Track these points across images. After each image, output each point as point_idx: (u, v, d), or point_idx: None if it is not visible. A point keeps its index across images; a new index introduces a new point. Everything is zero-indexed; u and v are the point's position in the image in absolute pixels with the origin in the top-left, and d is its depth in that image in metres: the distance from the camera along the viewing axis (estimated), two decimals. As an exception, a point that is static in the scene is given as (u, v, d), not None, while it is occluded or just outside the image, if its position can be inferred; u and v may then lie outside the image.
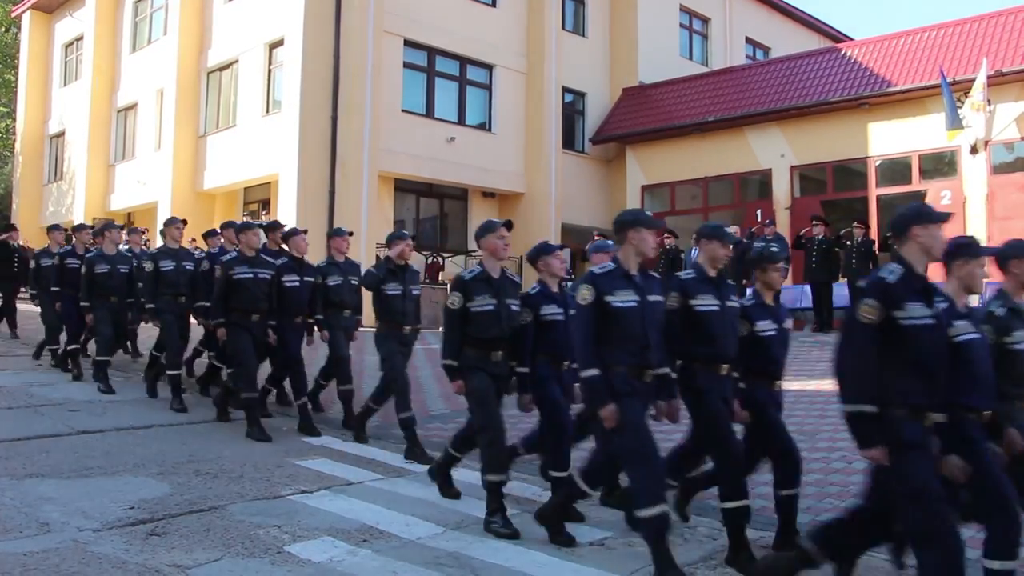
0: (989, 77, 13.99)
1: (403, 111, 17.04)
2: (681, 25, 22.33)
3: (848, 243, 12.29)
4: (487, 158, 18.25)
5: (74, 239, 10.25)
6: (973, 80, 14.29)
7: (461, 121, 18.19)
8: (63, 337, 9.67)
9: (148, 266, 8.16)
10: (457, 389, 4.91)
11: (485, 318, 4.85)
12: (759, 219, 15.63)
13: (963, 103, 14.51)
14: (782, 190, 17.17)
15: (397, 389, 6.41)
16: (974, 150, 14.55)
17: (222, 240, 9.00)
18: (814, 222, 12.89)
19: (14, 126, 27.68)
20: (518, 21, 19.03)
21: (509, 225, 5.00)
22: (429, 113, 17.67)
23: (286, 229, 8.20)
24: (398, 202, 17.77)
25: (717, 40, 23.12)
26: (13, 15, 27.70)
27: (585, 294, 4.09)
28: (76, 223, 13.45)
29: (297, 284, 7.41)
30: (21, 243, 13.81)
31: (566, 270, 5.39)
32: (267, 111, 17.31)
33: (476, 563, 4.21)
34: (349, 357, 7.54)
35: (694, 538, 4.70)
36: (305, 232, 7.85)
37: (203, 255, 8.92)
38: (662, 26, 21.36)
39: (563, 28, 19.85)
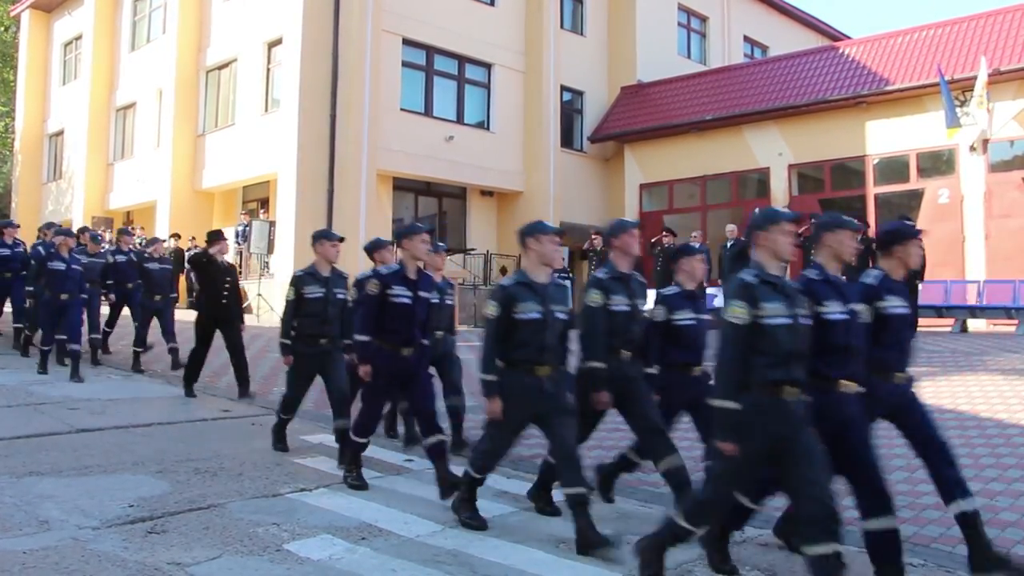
0: (987, 75, 14.01)
1: (402, 110, 17.04)
2: (679, 24, 22.34)
3: (847, 242, 12.32)
4: (486, 157, 18.26)
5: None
6: (970, 79, 14.32)
7: (460, 120, 18.20)
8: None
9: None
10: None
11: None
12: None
13: (961, 101, 14.54)
14: (780, 188, 17.19)
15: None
16: (973, 148, 14.57)
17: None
18: (812, 220, 12.91)
19: (13, 125, 27.67)
20: (517, 20, 19.04)
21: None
22: (428, 112, 17.68)
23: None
24: (397, 201, 17.78)
25: (715, 39, 23.13)
26: (12, 14, 27.67)
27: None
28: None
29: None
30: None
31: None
32: (266, 110, 17.32)
33: (475, 561, 4.22)
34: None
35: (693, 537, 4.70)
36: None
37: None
38: (660, 25, 21.38)
39: (561, 27, 19.86)
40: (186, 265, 14.62)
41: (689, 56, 22.40)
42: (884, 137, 15.87)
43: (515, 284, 4.50)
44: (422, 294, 5.37)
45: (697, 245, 5.69)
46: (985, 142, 14.47)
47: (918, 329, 11.57)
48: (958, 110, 14.41)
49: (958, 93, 14.61)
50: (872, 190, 16.09)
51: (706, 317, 5.03)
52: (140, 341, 10.02)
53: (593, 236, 15.45)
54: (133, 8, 22.07)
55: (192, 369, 8.59)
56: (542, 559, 4.27)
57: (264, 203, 18.13)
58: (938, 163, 15.54)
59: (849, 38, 22.71)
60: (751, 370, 3.52)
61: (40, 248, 10.54)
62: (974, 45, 14.94)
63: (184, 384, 8.59)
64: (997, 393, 7.68)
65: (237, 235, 16.74)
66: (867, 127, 16.05)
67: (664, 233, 14.62)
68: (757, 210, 3.93)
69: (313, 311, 6.20)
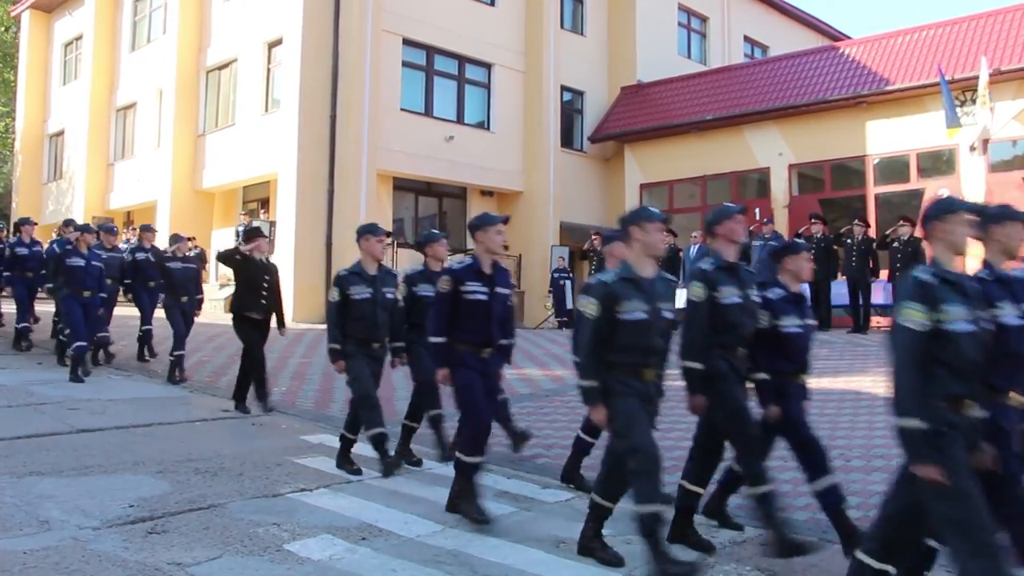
0: (988, 75, 14.00)
1: (402, 110, 17.04)
2: (679, 24, 22.34)
3: (848, 241, 12.30)
4: (486, 157, 18.26)
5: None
6: (971, 78, 14.31)
7: (460, 120, 18.19)
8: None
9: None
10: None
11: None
12: (757, 218, 15.64)
13: (961, 101, 14.53)
14: (780, 188, 17.18)
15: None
16: (973, 148, 14.56)
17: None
18: (812, 220, 12.90)
19: (14, 125, 27.68)
20: (517, 20, 19.03)
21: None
22: (428, 112, 17.68)
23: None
24: (397, 201, 17.78)
25: (715, 39, 23.13)
26: (12, 14, 27.69)
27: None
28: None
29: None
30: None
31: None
32: (266, 110, 17.32)
33: (475, 561, 4.22)
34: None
35: (691, 535, 4.70)
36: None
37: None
38: (660, 25, 21.37)
39: (561, 27, 19.86)
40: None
41: (689, 56, 22.40)
42: (884, 137, 15.87)
43: (618, 280, 4.02)
44: (499, 290, 4.96)
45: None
46: (985, 142, 14.46)
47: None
48: (958, 110, 14.41)
49: (958, 93, 14.60)
50: (872, 190, 16.08)
51: (812, 322, 4.56)
52: (179, 344, 9.36)
53: (593, 236, 15.45)
54: (133, 8, 22.08)
55: (255, 383, 7.83)
56: (542, 559, 4.27)
57: (264, 203, 18.14)
58: (938, 163, 15.53)
59: (849, 38, 22.70)
60: (930, 383, 3.07)
61: (55, 246, 10.30)
62: (974, 45, 14.93)
63: (235, 400, 7.96)
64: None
65: (237, 235, 16.74)
66: (867, 127, 16.05)
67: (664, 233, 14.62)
68: (943, 192, 3.55)
69: (361, 314, 5.72)
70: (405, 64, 17.26)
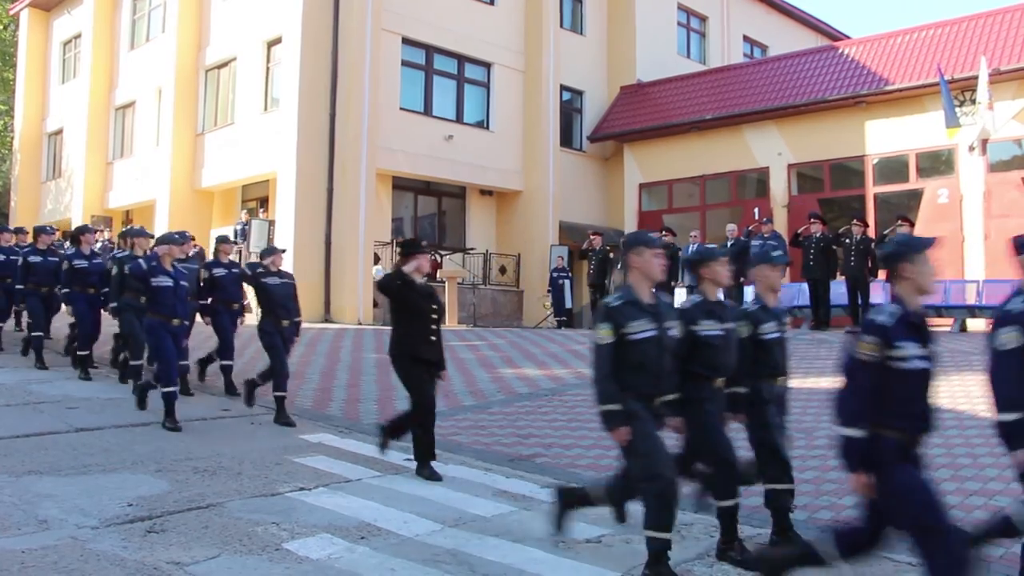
0: (988, 75, 14.01)
1: (401, 109, 17.04)
2: (679, 23, 22.34)
3: (847, 240, 12.29)
4: (485, 156, 18.25)
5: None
6: (970, 78, 14.32)
7: (459, 119, 18.19)
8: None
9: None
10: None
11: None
12: (756, 217, 15.65)
13: (961, 101, 14.54)
14: (779, 188, 17.19)
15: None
16: (972, 148, 14.56)
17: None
18: (812, 220, 12.89)
19: (12, 124, 27.65)
20: (516, 19, 19.03)
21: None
22: (427, 111, 17.67)
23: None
24: (396, 200, 17.78)
25: (715, 38, 23.13)
26: (11, 12, 27.65)
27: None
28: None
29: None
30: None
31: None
32: (265, 109, 17.31)
33: (474, 560, 4.21)
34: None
35: (691, 535, 4.71)
36: None
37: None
38: (660, 24, 21.38)
39: (561, 26, 19.85)
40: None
41: (689, 56, 22.41)
42: (884, 137, 15.87)
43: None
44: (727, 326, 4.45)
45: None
46: (984, 142, 14.46)
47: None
48: (957, 110, 14.41)
49: (957, 93, 14.60)
50: (872, 190, 16.09)
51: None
52: (281, 384, 7.60)
53: (592, 236, 15.45)
54: (132, 7, 22.05)
55: (425, 445, 5.91)
56: (541, 558, 4.27)
57: (264, 202, 18.12)
58: (937, 163, 15.54)
59: (849, 38, 22.72)
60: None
61: (142, 262, 7.82)
62: (974, 45, 14.94)
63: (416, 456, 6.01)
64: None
65: (236, 234, 16.73)
66: (866, 127, 16.05)
67: (664, 233, 14.59)
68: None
69: (641, 358, 4.02)
70: (404, 63, 17.25)
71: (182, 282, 7.45)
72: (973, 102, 14.34)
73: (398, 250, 6.96)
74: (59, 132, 24.38)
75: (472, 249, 18.05)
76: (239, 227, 17.00)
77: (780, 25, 24.86)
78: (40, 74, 25.46)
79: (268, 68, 17.41)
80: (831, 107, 16.41)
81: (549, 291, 16.97)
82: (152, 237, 9.03)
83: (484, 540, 4.51)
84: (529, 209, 18.65)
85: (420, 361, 5.86)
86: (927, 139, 15.27)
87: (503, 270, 18.24)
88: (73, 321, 9.46)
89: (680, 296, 14.07)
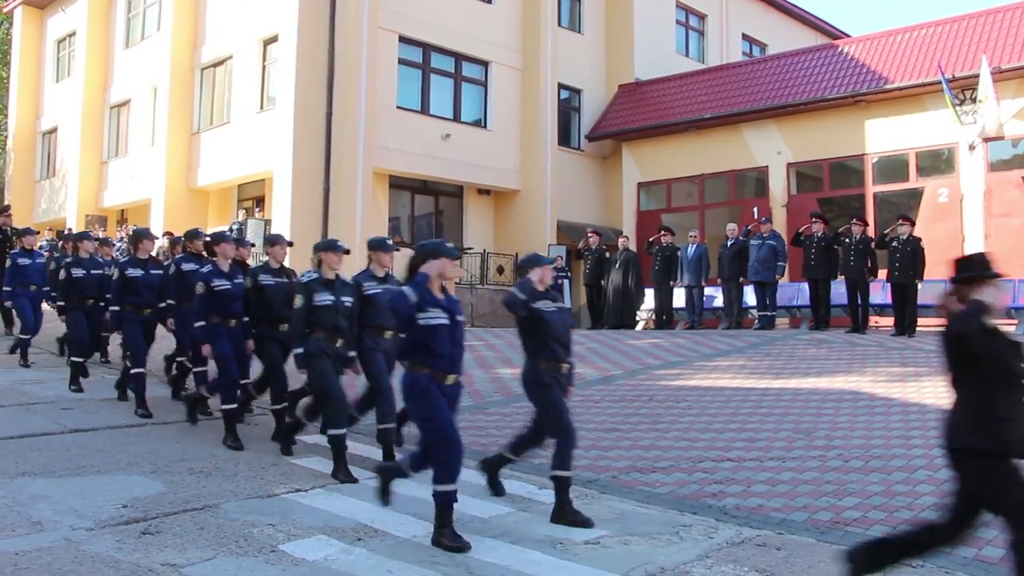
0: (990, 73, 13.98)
1: (398, 108, 16.98)
2: (677, 22, 22.32)
3: (847, 240, 12.25)
4: (482, 155, 18.20)
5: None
6: (971, 77, 14.29)
7: (456, 118, 18.14)
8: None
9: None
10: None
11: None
12: (756, 216, 15.62)
13: (961, 100, 14.51)
14: (779, 187, 17.16)
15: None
16: (972, 147, 14.54)
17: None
18: (813, 219, 12.83)
19: (6, 123, 27.57)
20: (514, 17, 18.99)
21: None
22: (424, 110, 17.62)
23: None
24: (393, 199, 17.73)
25: (713, 37, 23.11)
26: (5, 10, 27.57)
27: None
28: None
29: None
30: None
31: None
32: (261, 108, 17.26)
33: (471, 561, 4.18)
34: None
35: (690, 536, 4.68)
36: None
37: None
38: (658, 23, 21.35)
39: (559, 24, 19.81)
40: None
41: (687, 54, 22.38)
42: (883, 136, 15.84)
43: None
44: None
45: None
46: (987, 141, 14.42)
47: (918, 329, 11.54)
48: (958, 108, 14.39)
49: (958, 92, 14.57)
50: (871, 189, 16.06)
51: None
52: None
53: (590, 234, 15.39)
54: (127, 5, 21.98)
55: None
56: (539, 559, 4.24)
57: (259, 201, 18.07)
58: (937, 162, 15.51)
59: (848, 36, 22.69)
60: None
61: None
62: (974, 43, 14.91)
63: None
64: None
65: (231, 231, 16.68)
66: (866, 126, 16.02)
67: (662, 232, 14.56)
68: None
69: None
70: (401, 61, 17.20)
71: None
72: (974, 100, 14.31)
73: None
74: (53, 131, 24.31)
75: (470, 249, 18.00)
76: (235, 226, 16.94)
77: (779, 23, 24.85)
78: (34, 72, 25.39)
79: (264, 66, 17.36)
80: (830, 106, 16.38)
81: (548, 290, 16.89)
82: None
83: (482, 541, 4.47)
84: (527, 208, 18.61)
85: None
86: (927, 138, 15.25)
87: (501, 270, 18.17)
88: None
89: (678, 297, 14.03)
